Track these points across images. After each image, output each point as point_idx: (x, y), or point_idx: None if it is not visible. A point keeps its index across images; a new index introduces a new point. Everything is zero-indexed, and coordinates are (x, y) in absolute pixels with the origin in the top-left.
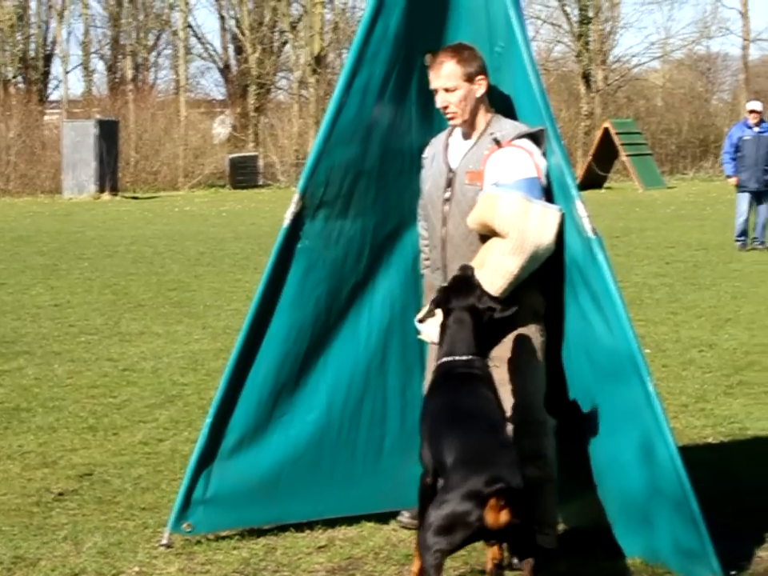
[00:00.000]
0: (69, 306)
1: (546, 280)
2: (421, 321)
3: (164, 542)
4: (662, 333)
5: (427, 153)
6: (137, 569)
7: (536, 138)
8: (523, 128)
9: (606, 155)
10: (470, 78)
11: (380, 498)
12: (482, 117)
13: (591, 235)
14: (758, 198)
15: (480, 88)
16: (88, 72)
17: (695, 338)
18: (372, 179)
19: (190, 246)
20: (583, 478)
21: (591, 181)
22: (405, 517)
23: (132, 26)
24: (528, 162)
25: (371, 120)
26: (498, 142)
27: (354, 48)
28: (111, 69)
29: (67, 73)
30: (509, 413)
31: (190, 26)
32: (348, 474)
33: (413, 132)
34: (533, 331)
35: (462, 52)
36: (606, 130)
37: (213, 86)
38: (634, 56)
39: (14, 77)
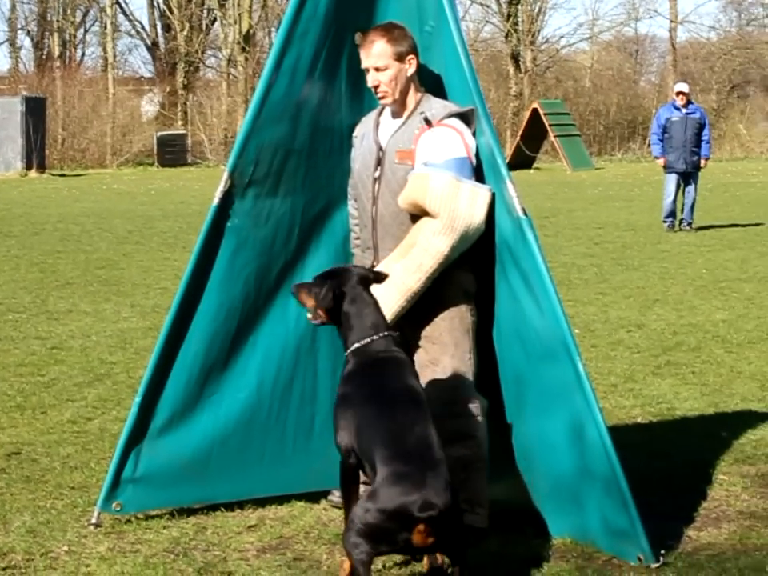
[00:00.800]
0: None
1: (476, 260)
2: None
3: (93, 521)
4: (591, 313)
5: (357, 132)
6: (66, 548)
7: (466, 117)
8: (453, 107)
9: (534, 136)
10: (400, 57)
11: (310, 478)
12: (413, 96)
13: (521, 215)
14: (685, 178)
15: (410, 67)
16: (14, 48)
17: (624, 318)
18: (302, 158)
19: (119, 224)
20: (514, 457)
21: (520, 161)
22: (335, 496)
23: (59, 3)
24: (458, 141)
25: (301, 99)
26: (428, 122)
27: (284, 26)
28: (38, 45)
29: None
30: (440, 393)
31: (117, 3)
32: (278, 454)
33: (343, 111)
34: (463, 311)
35: (392, 31)
36: (535, 111)
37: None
38: (562, 37)
39: None
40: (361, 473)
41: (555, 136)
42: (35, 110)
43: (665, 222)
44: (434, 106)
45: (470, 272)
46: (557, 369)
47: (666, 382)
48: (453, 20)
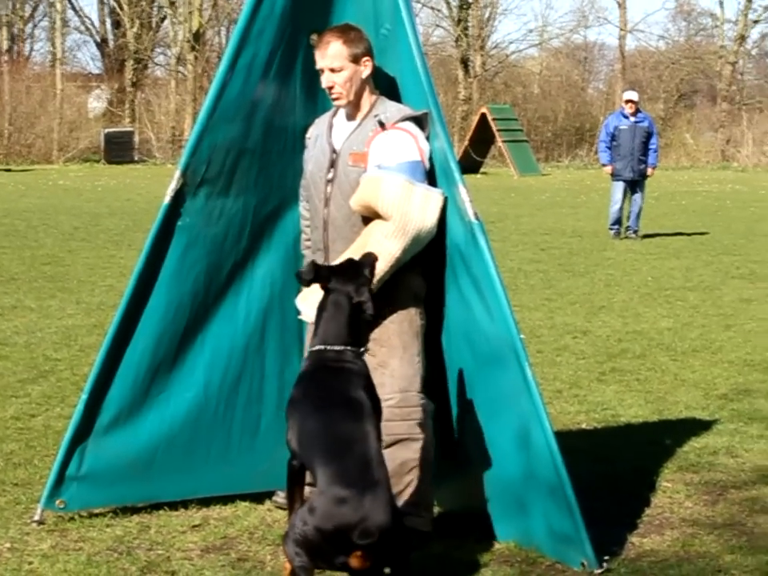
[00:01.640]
0: None
1: (427, 263)
2: (299, 277)
3: (36, 518)
4: (537, 319)
5: (311, 133)
6: (8, 545)
7: (420, 121)
8: (408, 111)
9: (482, 140)
10: (356, 59)
11: (255, 478)
12: (367, 98)
13: (473, 220)
14: (632, 186)
15: (366, 69)
16: None
17: (569, 324)
18: (255, 158)
19: (64, 220)
20: (460, 461)
21: (468, 166)
22: (280, 497)
23: None
24: (412, 145)
25: (255, 98)
26: (382, 125)
27: (240, 25)
28: None
29: None
30: (387, 395)
31: None
32: (224, 453)
33: (297, 111)
34: (412, 314)
35: (348, 33)
36: (483, 116)
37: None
38: (512, 42)
39: None
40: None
41: (503, 141)
42: None
43: (611, 229)
44: (389, 109)
45: (421, 275)
46: (505, 373)
47: (611, 388)
48: (409, 23)
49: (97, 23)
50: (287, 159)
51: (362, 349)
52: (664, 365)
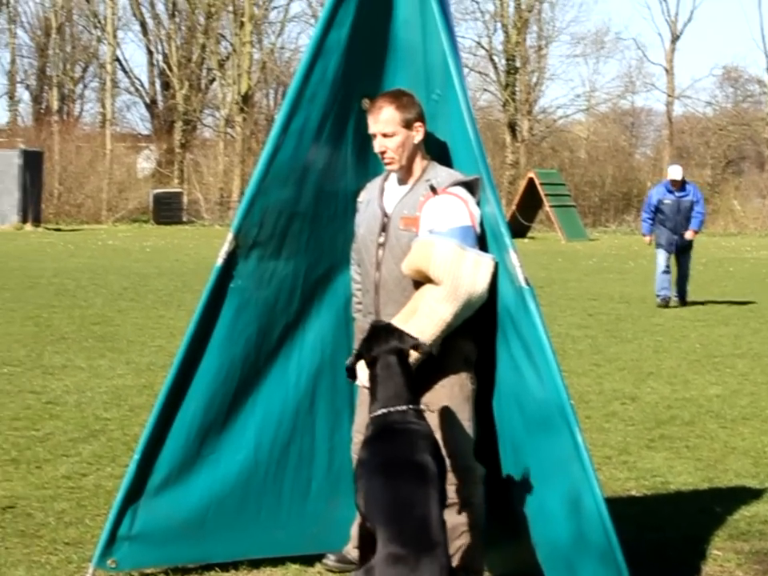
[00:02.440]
0: None
1: (478, 328)
2: (348, 369)
3: None
4: (585, 384)
5: (362, 197)
6: None
7: (471, 186)
8: (459, 176)
9: (529, 205)
10: (408, 124)
11: (306, 540)
12: (419, 163)
13: (524, 285)
14: (676, 255)
15: (418, 134)
16: (13, 102)
17: (618, 390)
18: (306, 221)
19: (114, 280)
20: (510, 526)
21: (515, 230)
22: (330, 560)
23: (59, 57)
24: (463, 210)
25: (307, 162)
26: (433, 189)
27: (293, 89)
28: (37, 99)
29: None
30: None
31: (117, 60)
32: (274, 516)
33: (348, 175)
34: (463, 378)
35: (401, 98)
36: (531, 180)
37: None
38: (559, 107)
39: None
40: None
41: (550, 206)
42: (32, 163)
43: (657, 296)
44: (440, 174)
45: (472, 340)
46: (555, 438)
47: (660, 455)
48: (460, 89)
49: (146, 84)
50: (338, 223)
51: (422, 406)
52: (713, 432)
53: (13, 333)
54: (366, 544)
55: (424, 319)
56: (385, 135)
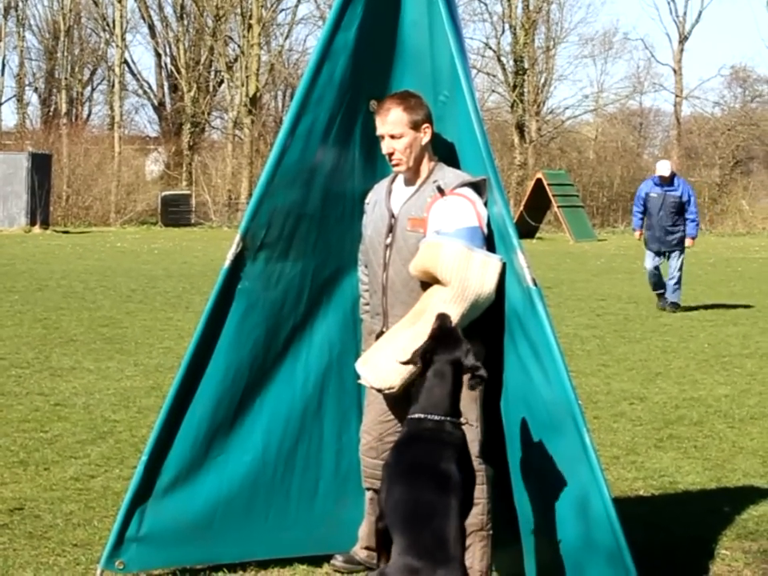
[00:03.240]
0: None
1: (485, 329)
2: (406, 363)
3: None
4: (593, 384)
5: (369, 198)
6: None
7: (478, 187)
8: (466, 177)
9: (538, 206)
10: (415, 126)
11: (313, 541)
12: (426, 164)
13: (531, 285)
14: (665, 257)
15: (425, 136)
16: (22, 104)
17: (626, 390)
18: (313, 223)
19: (122, 282)
20: (518, 526)
21: (523, 231)
22: (338, 560)
23: (67, 60)
24: (470, 211)
25: (314, 164)
26: (441, 190)
27: (300, 91)
28: (45, 102)
29: (0, 104)
30: None
31: (125, 62)
32: (282, 517)
33: (355, 177)
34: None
35: (408, 99)
36: (539, 181)
37: (147, 122)
38: (567, 108)
39: None
40: None
41: (558, 206)
42: (41, 166)
43: (657, 294)
44: (447, 175)
45: (479, 341)
46: (563, 439)
47: (669, 455)
48: (467, 90)
49: (155, 87)
50: (346, 224)
51: (462, 419)
52: (722, 432)
53: (21, 335)
54: (381, 540)
55: (432, 320)
56: (392, 137)
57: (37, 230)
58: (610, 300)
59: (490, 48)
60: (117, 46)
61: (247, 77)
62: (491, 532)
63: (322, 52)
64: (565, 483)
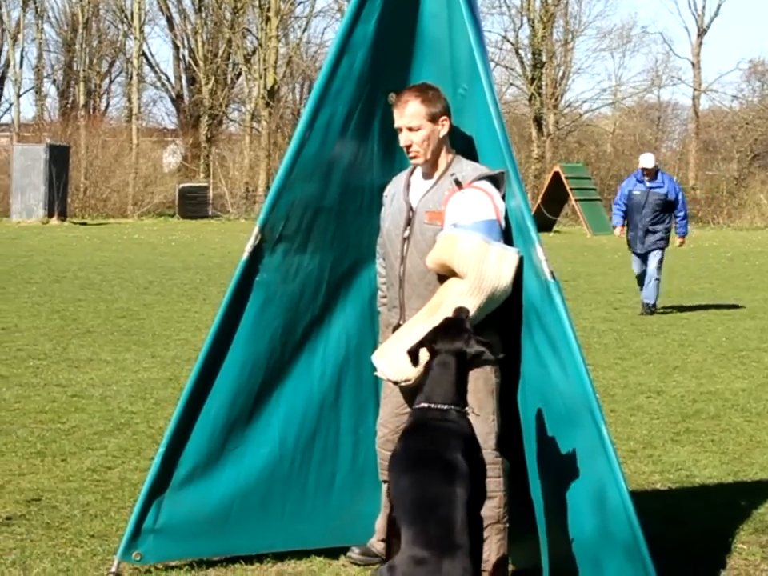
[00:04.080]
0: (17, 331)
1: (502, 322)
2: (409, 352)
3: (113, 570)
4: (610, 378)
5: (387, 191)
6: None
7: (496, 180)
8: (484, 170)
9: (555, 199)
10: (433, 119)
11: (330, 534)
12: (444, 157)
13: (549, 279)
14: (644, 258)
15: (443, 128)
16: (40, 96)
17: (643, 384)
18: (332, 215)
19: (139, 274)
20: (535, 519)
21: (540, 224)
22: (355, 553)
23: (86, 52)
24: (488, 204)
25: (333, 156)
26: (458, 183)
27: (319, 84)
28: (63, 94)
29: (19, 96)
30: None
31: (143, 55)
32: (298, 509)
33: (374, 170)
34: (488, 372)
35: (426, 92)
36: (557, 174)
37: (165, 115)
38: (585, 101)
39: None
40: None
41: (576, 200)
42: (59, 158)
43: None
44: (465, 168)
45: (497, 333)
46: (580, 432)
47: (686, 449)
48: (486, 83)
49: (173, 79)
50: (364, 217)
51: (467, 408)
52: (739, 426)
53: (39, 326)
54: (392, 531)
55: (449, 313)
56: (410, 129)
57: (54, 221)
58: (628, 293)
59: (508, 41)
60: (135, 38)
61: (265, 69)
62: (508, 525)
63: (341, 44)
64: (582, 476)
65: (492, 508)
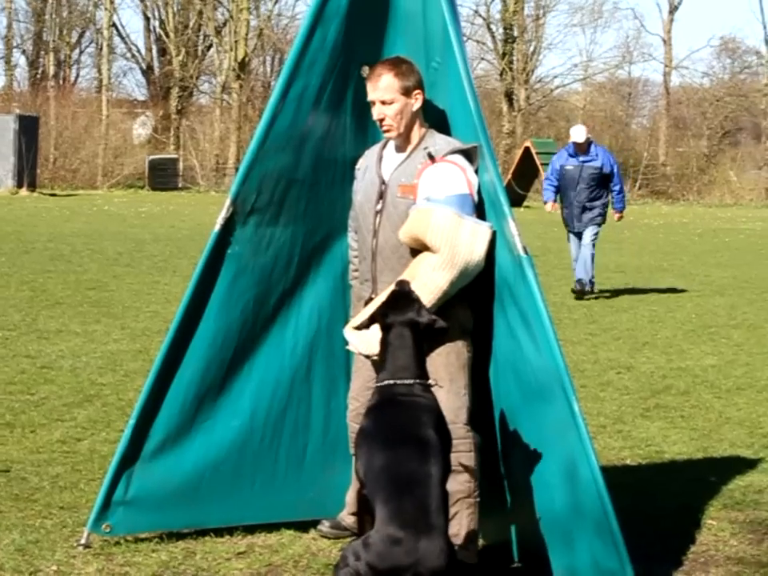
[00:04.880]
0: None
1: (475, 296)
2: (357, 328)
3: (83, 541)
4: (580, 353)
5: (360, 164)
6: (55, 568)
7: (469, 154)
8: (457, 144)
9: (526, 174)
10: (407, 92)
11: (301, 507)
12: (417, 131)
13: (522, 253)
14: (579, 236)
15: (416, 102)
16: (9, 66)
17: (613, 359)
18: (304, 188)
19: (109, 245)
20: (506, 494)
21: (511, 199)
22: (325, 526)
23: (55, 23)
24: (461, 178)
25: (305, 129)
26: (431, 157)
27: (292, 56)
28: (33, 64)
29: None
30: None
31: (114, 25)
32: (269, 482)
33: (347, 143)
34: (459, 347)
35: (400, 65)
36: (527, 149)
37: (135, 86)
38: (556, 77)
39: None
40: None
41: None
42: (28, 128)
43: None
44: (438, 142)
45: (468, 308)
46: (552, 407)
47: (655, 424)
48: (460, 57)
49: (143, 50)
50: (336, 190)
51: (430, 381)
52: (708, 402)
53: (8, 297)
54: (365, 509)
55: (421, 287)
56: (383, 102)
57: (24, 192)
58: (598, 269)
59: (480, 15)
60: (105, 8)
61: (236, 41)
62: (479, 499)
63: (314, 16)
64: (553, 451)
65: (463, 482)
